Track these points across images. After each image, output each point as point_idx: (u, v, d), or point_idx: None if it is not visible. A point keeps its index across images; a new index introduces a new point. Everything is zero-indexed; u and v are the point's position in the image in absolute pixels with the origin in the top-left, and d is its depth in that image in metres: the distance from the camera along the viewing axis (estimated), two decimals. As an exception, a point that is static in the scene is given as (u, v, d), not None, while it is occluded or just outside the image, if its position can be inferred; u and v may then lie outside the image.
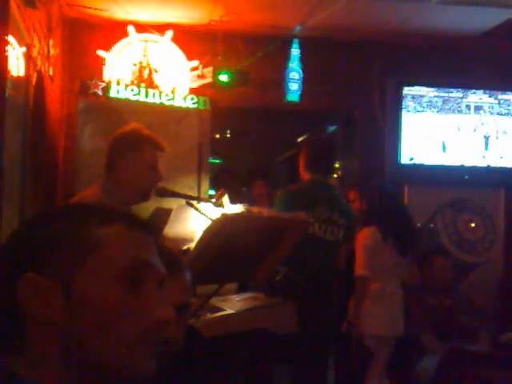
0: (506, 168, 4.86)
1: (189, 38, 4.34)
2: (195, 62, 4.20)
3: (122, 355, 0.79)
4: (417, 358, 3.77)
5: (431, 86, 4.81)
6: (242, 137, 6.45)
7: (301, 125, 5.92)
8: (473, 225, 4.89)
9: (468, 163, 4.83)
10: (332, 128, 5.56)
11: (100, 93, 3.74)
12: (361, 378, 3.53)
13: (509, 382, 3.67)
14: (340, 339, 3.69)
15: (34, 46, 3.13)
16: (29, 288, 0.78)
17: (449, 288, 4.20)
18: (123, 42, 4.08)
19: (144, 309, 0.80)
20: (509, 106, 4.90)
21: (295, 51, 4.51)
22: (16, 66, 2.72)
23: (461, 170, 4.83)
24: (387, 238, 3.52)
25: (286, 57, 4.52)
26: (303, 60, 4.54)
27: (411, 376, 3.72)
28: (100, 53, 4.06)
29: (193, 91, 4.07)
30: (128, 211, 0.89)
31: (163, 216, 2.61)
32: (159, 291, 0.83)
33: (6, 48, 2.37)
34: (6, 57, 2.38)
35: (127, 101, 3.74)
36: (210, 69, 4.11)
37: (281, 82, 4.51)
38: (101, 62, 4.05)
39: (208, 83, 4.14)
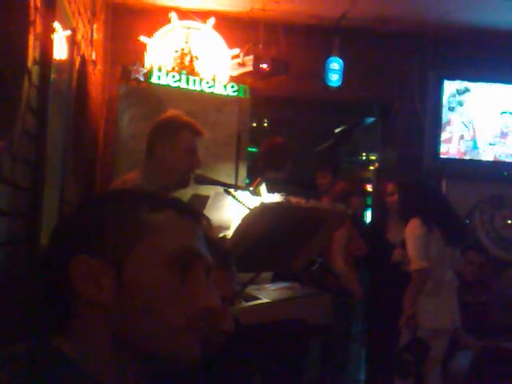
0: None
1: (230, 26, 4.34)
2: (236, 50, 4.20)
3: (168, 340, 0.80)
4: (451, 353, 3.74)
5: (472, 81, 4.72)
6: (280, 126, 6.44)
7: (339, 115, 5.88)
8: (509, 222, 4.80)
9: (507, 159, 4.73)
10: (370, 119, 5.51)
11: (141, 78, 3.77)
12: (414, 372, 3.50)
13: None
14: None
15: (79, 30, 3.17)
16: (81, 269, 0.79)
17: (484, 284, 4.15)
18: (165, 28, 4.10)
19: (191, 296, 0.81)
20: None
21: (336, 41, 4.47)
22: (59, 49, 2.75)
23: (500, 165, 4.73)
24: (432, 228, 3.48)
25: (327, 47, 4.48)
26: (344, 50, 4.50)
27: (445, 371, 3.69)
28: (142, 39, 4.09)
29: (233, 79, 4.07)
30: (178, 199, 0.90)
31: (200, 203, 2.62)
32: (206, 279, 0.84)
33: (53, 34, 2.39)
34: (52, 42, 2.41)
35: (168, 87, 3.75)
36: (251, 57, 4.10)
37: (321, 72, 4.47)
38: (143, 47, 4.07)
39: (248, 71, 4.13)
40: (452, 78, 4.71)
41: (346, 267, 3.69)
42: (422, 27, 4.62)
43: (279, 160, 3.72)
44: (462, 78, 4.72)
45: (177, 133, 2.38)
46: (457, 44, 4.76)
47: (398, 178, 4.18)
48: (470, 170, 4.69)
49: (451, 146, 4.72)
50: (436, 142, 4.68)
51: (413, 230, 3.50)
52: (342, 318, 3.64)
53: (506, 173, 4.73)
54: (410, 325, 3.42)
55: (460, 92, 4.72)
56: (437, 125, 4.67)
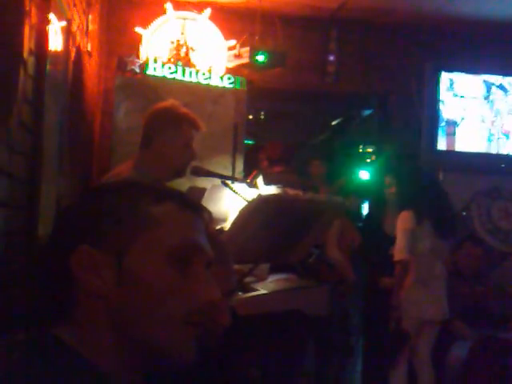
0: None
1: (226, 17, 4.32)
2: (232, 42, 4.18)
3: (166, 334, 0.80)
4: (447, 344, 3.77)
5: (469, 72, 4.72)
6: (277, 118, 6.43)
7: (336, 107, 5.88)
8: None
9: (505, 151, 4.74)
10: (368, 111, 5.50)
11: (137, 70, 3.75)
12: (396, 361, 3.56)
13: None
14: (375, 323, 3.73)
15: (74, 21, 3.15)
16: (82, 260, 0.80)
17: (480, 276, 4.18)
18: (161, 19, 4.08)
19: (191, 289, 0.81)
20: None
21: (333, 33, 4.45)
22: (55, 40, 2.73)
23: (497, 158, 4.74)
24: (422, 221, 3.53)
25: (324, 38, 4.47)
26: (341, 42, 4.49)
27: (442, 362, 3.73)
28: (138, 30, 4.07)
29: (229, 71, 4.05)
30: (180, 191, 0.89)
31: (197, 195, 2.62)
32: (207, 273, 0.84)
33: (48, 25, 2.38)
34: (48, 32, 2.39)
35: (164, 79, 3.74)
36: (247, 49, 4.08)
37: (318, 64, 4.46)
38: (138, 38, 4.05)
39: (245, 63, 4.11)
40: (449, 69, 4.70)
41: (341, 255, 3.72)
42: (419, 19, 4.62)
43: (288, 158, 3.90)
44: (460, 70, 4.71)
45: (177, 125, 2.34)
46: (454, 35, 4.75)
47: (396, 170, 4.19)
48: (467, 163, 4.70)
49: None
50: (433, 134, 4.68)
51: (402, 223, 3.58)
52: (340, 309, 3.66)
53: (503, 165, 4.75)
54: (393, 315, 3.49)
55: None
56: (433, 116, 4.67)
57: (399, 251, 3.51)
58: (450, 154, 4.69)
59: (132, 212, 0.82)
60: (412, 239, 3.53)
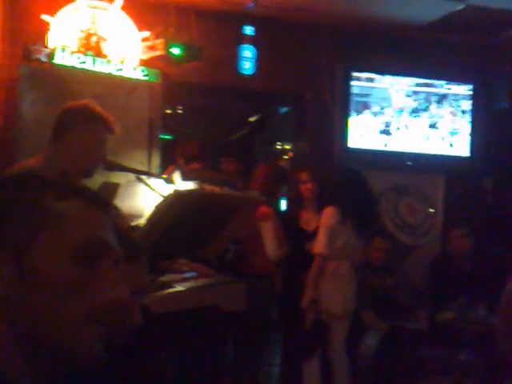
0: (446, 156, 4.99)
1: (140, 8, 4.17)
2: (146, 33, 4.06)
3: (69, 333, 0.76)
4: (359, 334, 3.88)
5: (379, 73, 4.86)
6: (194, 113, 6.35)
7: (253, 104, 5.88)
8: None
9: (411, 150, 4.94)
10: (284, 109, 5.55)
11: (43, 59, 3.55)
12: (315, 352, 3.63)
13: (444, 357, 3.86)
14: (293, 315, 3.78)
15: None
16: None
17: (390, 269, 4.33)
18: (69, 7, 3.88)
19: (97, 287, 0.78)
20: (455, 98, 5.01)
21: (248, 29, 4.44)
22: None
23: (404, 156, 4.93)
24: (345, 220, 3.61)
25: (239, 34, 4.45)
26: (256, 38, 4.48)
27: (355, 352, 3.84)
28: (44, 17, 3.86)
29: (143, 63, 3.94)
30: (86, 187, 0.86)
31: (110, 191, 2.54)
32: (114, 271, 0.81)
33: None
34: None
35: (73, 69, 3.57)
36: (162, 40, 3.98)
37: (234, 60, 4.44)
38: (45, 26, 3.84)
39: (159, 56, 4.01)
40: (360, 70, 4.82)
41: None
42: (332, 19, 4.70)
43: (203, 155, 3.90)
44: (370, 71, 4.84)
45: (93, 122, 2.31)
46: (368, 36, 4.86)
47: (314, 167, 4.26)
48: (377, 160, 4.85)
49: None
50: (345, 133, 4.78)
51: (326, 219, 3.65)
52: (260, 304, 3.68)
53: (410, 163, 4.94)
54: (313, 307, 3.57)
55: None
56: (345, 116, 4.78)
57: (320, 245, 3.59)
58: (362, 151, 4.81)
59: (33, 207, 0.78)
60: (332, 235, 3.62)
